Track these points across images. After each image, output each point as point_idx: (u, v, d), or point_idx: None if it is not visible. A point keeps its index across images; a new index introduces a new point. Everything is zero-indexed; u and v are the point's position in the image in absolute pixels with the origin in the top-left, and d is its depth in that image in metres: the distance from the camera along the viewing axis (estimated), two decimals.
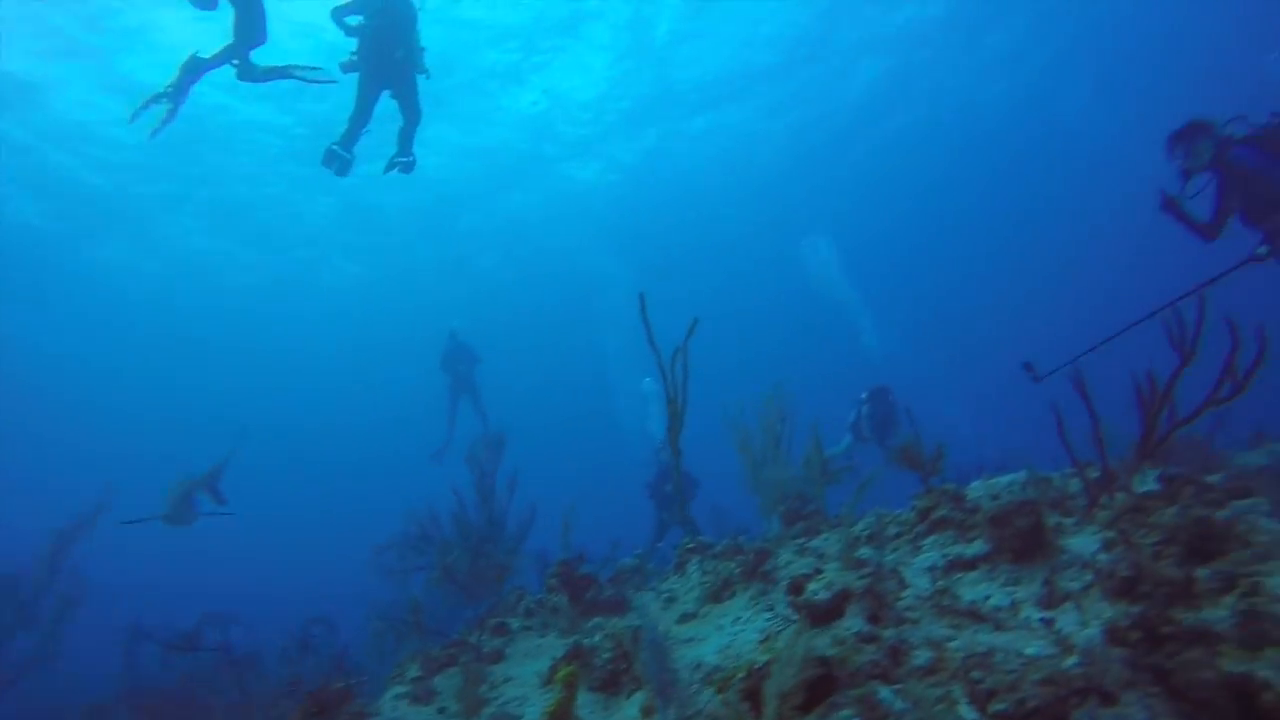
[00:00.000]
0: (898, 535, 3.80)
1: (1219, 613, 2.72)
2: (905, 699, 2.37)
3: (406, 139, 8.34)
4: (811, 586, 2.82)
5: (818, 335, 32.97)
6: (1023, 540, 3.23)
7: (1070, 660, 2.40)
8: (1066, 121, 25.53)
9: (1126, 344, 4.35)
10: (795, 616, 2.89)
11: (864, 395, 9.62)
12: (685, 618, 3.92)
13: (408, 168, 8.41)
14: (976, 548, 3.35)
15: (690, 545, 4.63)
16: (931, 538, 3.62)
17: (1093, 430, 3.68)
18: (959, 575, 3.30)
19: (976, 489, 4.29)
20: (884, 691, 2.40)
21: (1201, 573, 2.96)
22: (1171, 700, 2.41)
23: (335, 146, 7.97)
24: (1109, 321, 4.63)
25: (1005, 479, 4.20)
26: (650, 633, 3.01)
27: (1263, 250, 4.21)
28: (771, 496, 5.34)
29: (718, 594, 3.96)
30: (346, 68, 7.77)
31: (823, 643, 2.55)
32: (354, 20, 7.73)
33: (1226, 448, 6.65)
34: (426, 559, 5.23)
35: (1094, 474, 3.75)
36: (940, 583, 3.16)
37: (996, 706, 2.20)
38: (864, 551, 3.65)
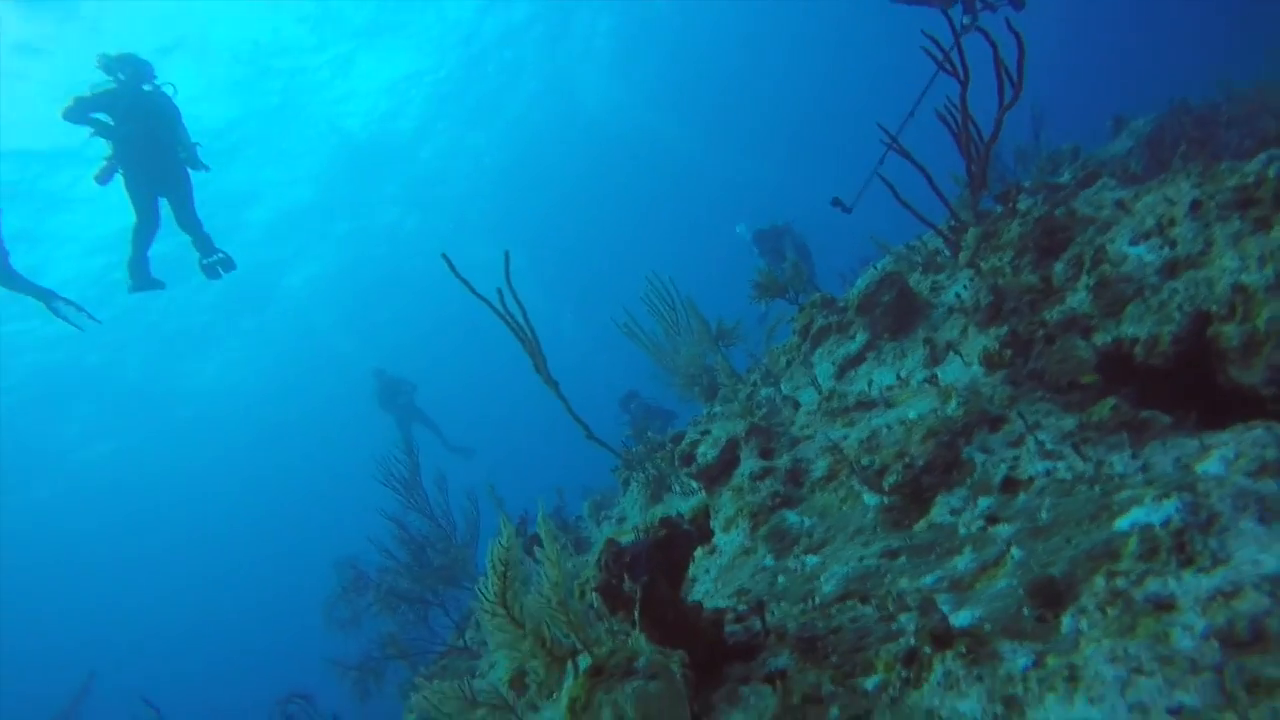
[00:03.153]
0: (789, 364, 3.72)
1: (1079, 295, 2.68)
2: (811, 514, 2.29)
3: (202, 242, 7.54)
4: (700, 450, 2.71)
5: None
6: (894, 314, 3.15)
7: (951, 405, 2.33)
8: None
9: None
10: (697, 485, 2.80)
11: (749, 237, 9.71)
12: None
13: (227, 264, 7.60)
14: (859, 341, 3.27)
15: (625, 462, 4.52)
16: (819, 350, 3.54)
17: (928, 184, 3.58)
18: (852, 372, 3.22)
19: (859, 283, 4.22)
20: (790, 516, 2.31)
21: (1057, 267, 2.92)
22: (1056, 395, 2.37)
23: (132, 289, 7.18)
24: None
25: (881, 262, 4.12)
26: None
27: (967, 20, 4.08)
28: (684, 379, 5.24)
29: (657, 495, 3.87)
30: (102, 177, 6.86)
31: (724, 499, 2.44)
32: (102, 117, 6.81)
33: (1094, 144, 6.74)
34: (369, 598, 5.07)
35: (948, 226, 3.68)
36: (831, 385, 3.08)
37: (890, 480, 2.13)
38: (764, 392, 3.57)
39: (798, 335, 3.74)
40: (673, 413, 10.03)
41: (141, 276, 7.14)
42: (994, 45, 2.99)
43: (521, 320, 3.75)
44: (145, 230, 7.15)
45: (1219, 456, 1.73)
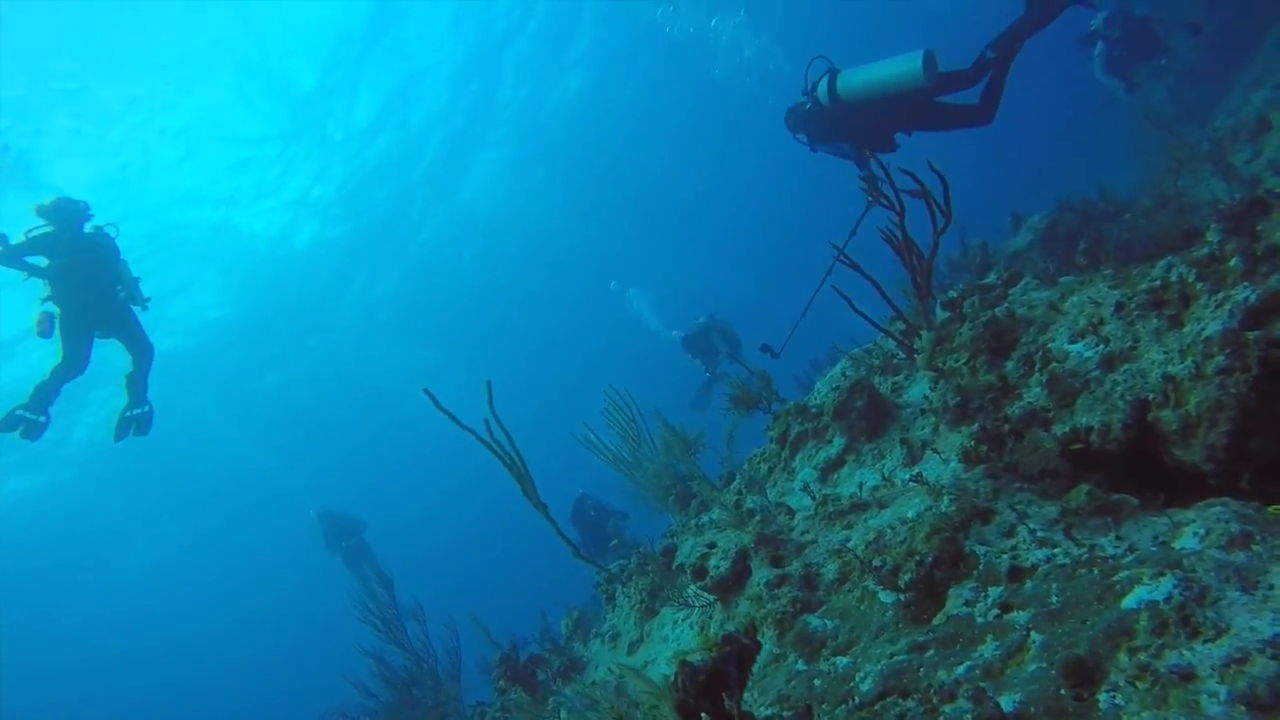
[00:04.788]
0: (770, 471, 3.93)
1: (1034, 391, 3.01)
2: (832, 617, 2.43)
3: (138, 386, 7.12)
4: (712, 563, 2.85)
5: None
6: (868, 418, 3.41)
7: (944, 501, 2.55)
8: None
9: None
10: (712, 598, 2.91)
11: (678, 339, 10.23)
12: (633, 645, 3.87)
13: (145, 422, 7.10)
14: (837, 445, 3.51)
15: (607, 577, 4.57)
16: (799, 456, 3.77)
17: (879, 293, 3.96)
18: (834, 475, 3.44)
19: (820, 388, 4.53)
20: (813, 620, 2.45)
21: (1009, 365, 3.27)
22: (1033, 485, 2.64)
23: (20, 410, 6.61)
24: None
25: (837, 368, 4.44)
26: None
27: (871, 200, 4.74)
28: (656, 490, 5.37)
29: (650, 609, 3.93)
30: (44, 329, 6.55)
31: (743, 609, 2.57)
32: (39, 261, 6.64)
33: (996, 241, 7.46)
34: None
35: (900, 331, 4.05)
36: (821, 490, 3.29)
37: (905, 578, 2.31)
38: (750, 501, 3.74)
39: (776, 443, 3.97)
40: (625, 513, 10.03)
41: (24, 420, 6.63)
42: (922, 184, 3.43)
43: (509, 449, 3.84)
44: (68, 371, 6.81)
45: (1191, 533, 2.00)
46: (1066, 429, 2.80)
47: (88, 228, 6.93)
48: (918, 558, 2.32)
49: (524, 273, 32.33)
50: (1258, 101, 7.66)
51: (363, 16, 18.05)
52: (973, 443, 2.77)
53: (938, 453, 3.00)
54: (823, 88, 4.59)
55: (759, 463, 4.11)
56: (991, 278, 5.00)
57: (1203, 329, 2.66)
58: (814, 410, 3.86)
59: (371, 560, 13.79)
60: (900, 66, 4.25)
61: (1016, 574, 2.15)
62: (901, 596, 2.29)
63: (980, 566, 2.26)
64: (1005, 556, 2.23)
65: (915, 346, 3.85)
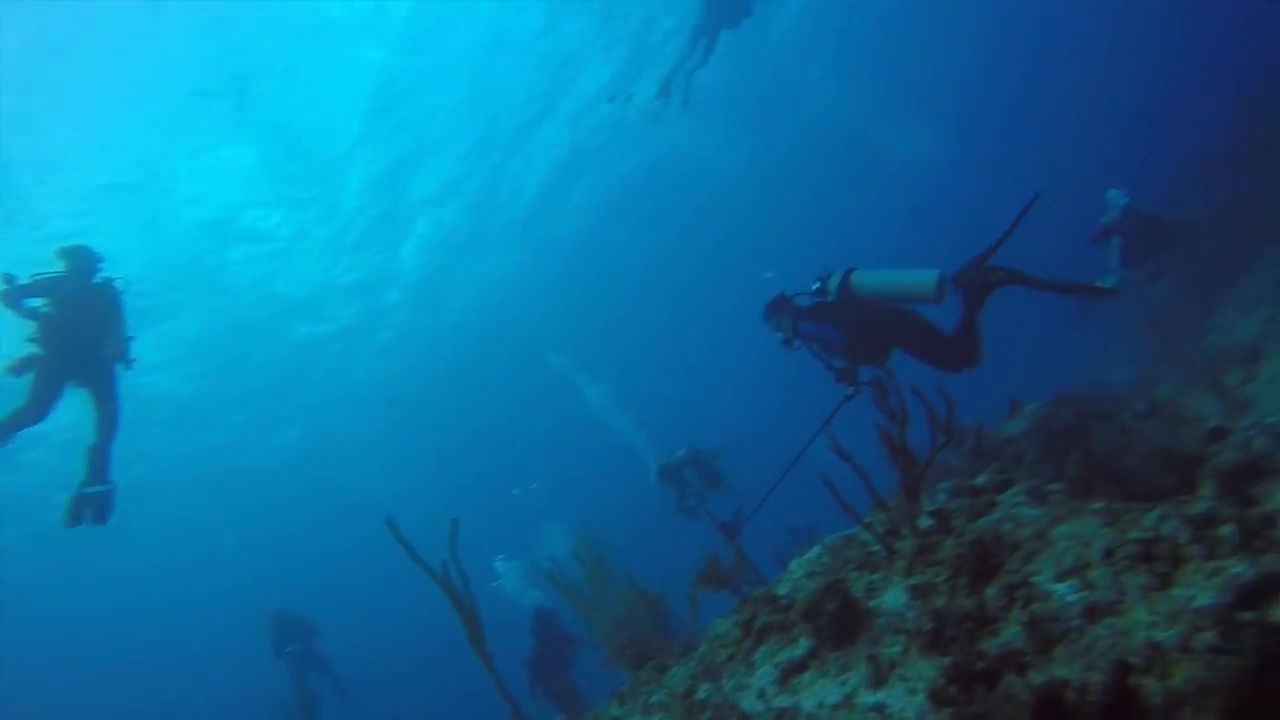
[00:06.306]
0: (730, 658, 3.71)
1: (1012, 629, 2.85)
2: None
3: (99, 459, 6.59)
4: None
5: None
6: (838, 623, 3.24)
7: None
8: None
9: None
10: None
11: (654, 470, 10.10)
12: None
13: (105, 505, 6.48)
14: (802, 646, 3.32)
15: None
16: (761, 649, 3.56)
17: (869, 491, 3.88)
18: (795, 679, 3.23)
19: (794, 570, 4.35)
20: None
21: (990, 593, 3.12)
22: None
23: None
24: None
25: (814, 553, 4.29)
26: None
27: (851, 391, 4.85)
28: (612, 642, 5.11)
29: None
30: (20, 368, 6.35)
31: None
32: (36, 303, 6.52)
33: (993, 422, 7.47)
34: None
35: (882, 526, 3.93)
36: (779, 699, 3.07)
37: None
38: (703, 689, 3.51)
39: (740, 629, 3.77)
40: (582, 642, 9.70)
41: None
42: (929, 405, 3.41)
43: (463, 591, 3.67)
44: (27, 417, 6.48)
45: None
46: (1043, 679, 2.63)
47: (97, 278, 6.95)
48: None
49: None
50: (1250, 329, 7.83)
51: None
52: (943, 681, 2.59)
53: (905, 680, 2.82)
54: (835, 280, 4.71)
55: (719, 647, 3.89)
56: (982, 479, 4.94)
57: (1193, 597, 2.55)
58: (784, 602, 3.68)
59: (324, 668, 12.90)
60: (915, 276, 4.37)
61: None
62: None
63: None
64: None
65: (895, 547, 3.72)
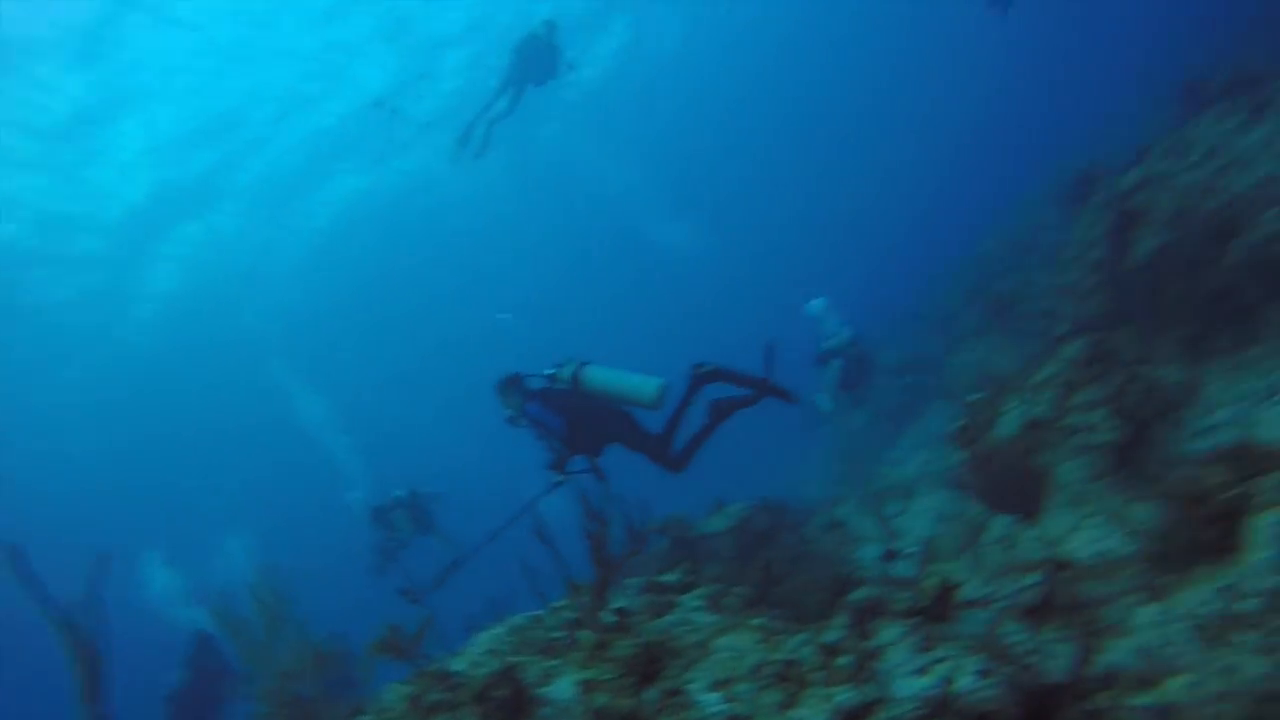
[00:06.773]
0: None
1: None
2: None
3: None
4: None
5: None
6: (505, 712, 3.25)
7: None
8: None
9: None
10: None
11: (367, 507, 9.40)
12: None
13: None
14: None
15: None
16: None
17: (562, 573, 3.98)
18: None
19: (476, 645, 4.30)
20: None
21: (650, 694, 3.33)
22: None
23: None
24: None
25: (498, 631, 4.30)
26: None
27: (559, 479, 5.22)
28: (274, 698, 4.67)
29: None
30: None
31: None
32: None
33: (698, 515, 8.02)
34: None
35: (571, 612, 4.05)
36: None
37: None
38: None
39: (408, 703, 3.60)
40: (242, 678, 8.66)
41: None
42: (626, 513, 3.61)
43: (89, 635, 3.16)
44: None
45: None
46: None
47: None
48: None
49: None
50: (912, 467, 9.32)
51: None
52: None
53: None
54: (569, 370, 4.92)
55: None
56: (672, 577, 5.27)
57: (805, 717, 2.92)
58: (456, 681, 3.61)
59: None
60: (639, 382, 4.71)
61: None
62: None
63: None
64: None
65: (577, 637, 3.84)
